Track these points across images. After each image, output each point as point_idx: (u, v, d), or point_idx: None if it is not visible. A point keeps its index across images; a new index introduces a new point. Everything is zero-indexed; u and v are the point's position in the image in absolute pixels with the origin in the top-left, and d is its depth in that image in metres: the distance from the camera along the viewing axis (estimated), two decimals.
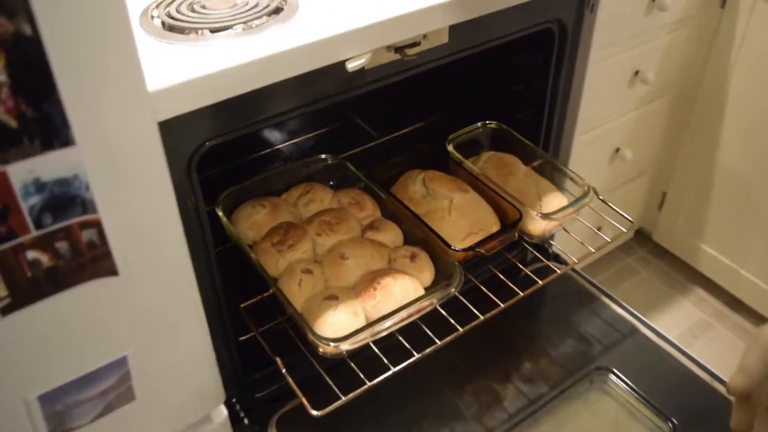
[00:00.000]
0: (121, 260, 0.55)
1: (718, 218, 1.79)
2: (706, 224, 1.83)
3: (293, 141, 1.41)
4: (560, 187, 1.22)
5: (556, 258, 1.35)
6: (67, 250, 0.52)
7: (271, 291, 1.02)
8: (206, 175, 1.19)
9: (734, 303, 1.84)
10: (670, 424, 1.14)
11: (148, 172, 0.60)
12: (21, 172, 0.47)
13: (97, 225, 0.53)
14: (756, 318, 1.79)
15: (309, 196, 1.17)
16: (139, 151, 0.58)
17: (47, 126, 0.48)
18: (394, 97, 1.41)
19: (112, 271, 0.56)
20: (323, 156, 1.23)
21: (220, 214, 1.09)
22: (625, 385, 1.20)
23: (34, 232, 0.50)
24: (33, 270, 0.50)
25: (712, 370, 1.23)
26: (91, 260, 0.54)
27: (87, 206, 0.52)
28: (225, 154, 1.28)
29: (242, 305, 1.06)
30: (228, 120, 0.82)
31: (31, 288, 0.51)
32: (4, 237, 0.48)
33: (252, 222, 1.11)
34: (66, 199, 0.50)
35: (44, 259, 0.50)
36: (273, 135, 1.39)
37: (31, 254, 0.50)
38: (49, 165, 0.48)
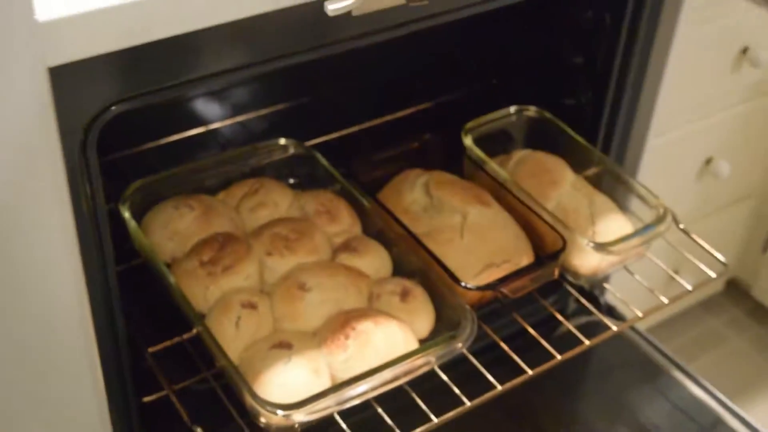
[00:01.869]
0: None
1: None
2: None
3: (239, 119, 1.41)
4: (624, 208, 1.23)
5: (611, 311, 1.35)
6: None
7: (194, 331, 1.02)
8: (110, 159, 1.20)
9: None
10: None
11: (27, 136, 0.59)
12: None
13: None
14: None
15: (258, 197, 1.17)
16: (16, 103, 0.57)
17: None
18: (391, 64, 1.42)
19: None
20: (282, 141, 1.23)
21: (127, 215, 1.08)
22: None
23: None
24: None
25: None
26: None
27: None
28: (140, 131, 1.29)
29: (151, 350, 1.06)
30: (145, 76, 0.82)
31: None
32: None
33: (173, 230, 1.11)
34: None
35: None
36: (210, 109, 1.39)
37: None
38: None
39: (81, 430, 0.73)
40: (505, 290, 1.08)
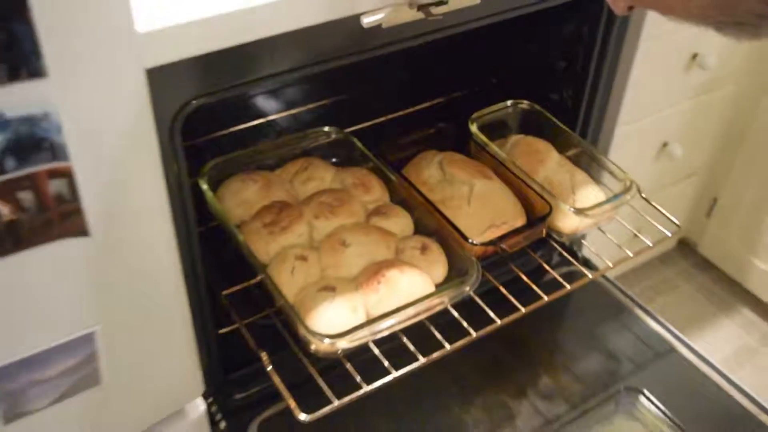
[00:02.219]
0: (93, 219, 0.55)
1: None
2: (761, 237, 1.82)
3: (292, 112, 1.40)
4: (598, 181, 1.22)
5: (587, 263, 1.35)
6: (32, 202, 0.51)
7: (259, 278, 1.02)
8: (191, 144, 1.20)
9: None
10: None
11: (131, 124, 0.60)
12: None
13: (67, 175, 0.52)
14: None
15: (308, 173, 1.17)
16: (122, 98, 0.57)
17: (14, 51, 0.46)
18: (412, 67, 1.41)
19: (83, 231, 0.55)
20: (326, 129, 1.23)
21: (205, 187, 1.08)
22: (656, 410, 1.20)
23: None
24: None
25: (761, 401, 1.23)
26: (59, 216, 0.53)
27: (57, 152, 0.51)
28: (213, 121, 1.29)
29: (225, 293, 1.06)
30: (221, 75, 0.81)
31: None
32: None
33: (241, 199, 1.11)
34: (33, 142, 0.50)
35: (5, 210, 0.50)
36: (269, 104, 1.39)
37: None
38: (15, 98, 0.47)
39: (174, 355, 0.74)
40: (503, 246, 1.08)
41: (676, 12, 0.63)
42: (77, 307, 0.59)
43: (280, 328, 1.03)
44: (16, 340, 0.57)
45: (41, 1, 0.49)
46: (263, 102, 1.38)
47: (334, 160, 1.22)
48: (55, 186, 0.52)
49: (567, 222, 1.14)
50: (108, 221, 0.57)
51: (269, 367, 0.97)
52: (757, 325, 1.87)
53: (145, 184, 0.68)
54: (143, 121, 0.65)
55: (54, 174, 0.52)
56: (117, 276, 0.61)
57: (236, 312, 1.05)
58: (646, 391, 1.23)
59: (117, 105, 0.61)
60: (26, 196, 0.51)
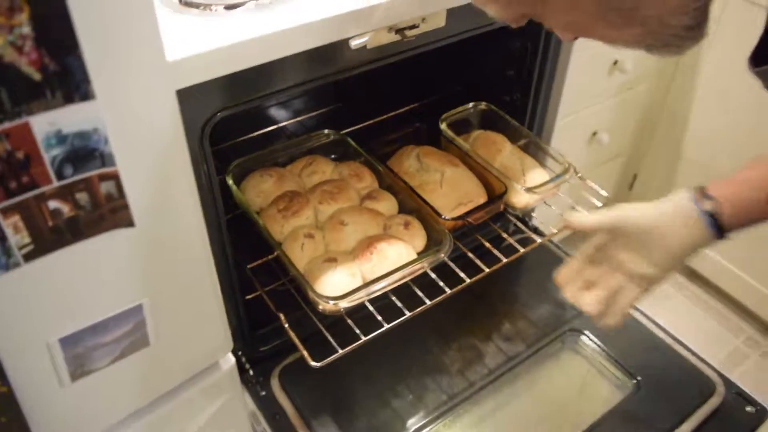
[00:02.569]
0: (137, 213, 0.54)
1: None
2: None
3: (297, 119, 1.38)
4: (543, 165, 1.21)
5: (536, 230, 1.34)
6: (87, 201, 0.50)
7: (275, 253, 1.01)
8: (217, 149, 1.17)
9: (692, 275, 1.84)
10: (634, 381, 1.15)
11: (165, 134, 0.59)
12: (43, 123, 0.45)
13: (115, 178, 0.51)
14: (710, 288, 1.80)
15: (312, 167, 1.15)
16: (157, 115, 0.56)
17: (69, 80, 0.46)
18: (392, 79, 1.39)
19: (129, 223, 0.54)
20: (326, 131, 1.21)
21: (230, 182, 1.07)
22: (595, 346, 1.20)
23: (56, 183, 0.48)
24: (54, 219, 0.49)
25: (676, 334, 1.23)
26: (109, 211, 0.52)
27: (105, 159, 0.50)
28: (235, 129, 1.27)
29: (249, 266, 1.05)
30: (239, 91, 0.80)
31: (53, 236, 0.50)
32: (28, 186, 0.47)
33: (259, 190, 1.09)
34: (86, 152, 0.49)
35: (65, 208, 0.49)
36: (279, 113, 1.37)
37: (53, 204, 0.48)
38: (70, 118, 0.46)
39: (208, 319, 0.73)
40: (470, 219, 1.07)
41: (615, 41, 0.62)
42: (128, 285, 0.58)
43: (294, 292, 1.03)
44: (81, 312, 0.57)
45: (89, 40, 0.48)
46: (275, 112, 1.36)
47: (333, 156, 1.21)
48: (105, 187, 0.51)
49: (520, 198, 1.13)
50: (150, 214, 0.56)
51: (286, 325, 0.96)
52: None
53: (179, 182, 0.66)
54: (175, 131, 0.64)
55: (104, 177, 0.51)
56: (159, 258, 0.59)
57: (258, 282, 1.04)
58: (586, 332, 1.22)
59: (153, 119, 0.59)
60: (82, 197, 0.50)
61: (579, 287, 0.84)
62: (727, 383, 1.14)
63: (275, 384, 1.13)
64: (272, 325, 1.15)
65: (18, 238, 0.47)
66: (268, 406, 1.09)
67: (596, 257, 0.82)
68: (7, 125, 0.44)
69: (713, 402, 1.10)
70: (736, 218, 0.73)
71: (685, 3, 0.56)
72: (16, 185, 0.46)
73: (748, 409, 1.10)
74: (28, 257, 0.49)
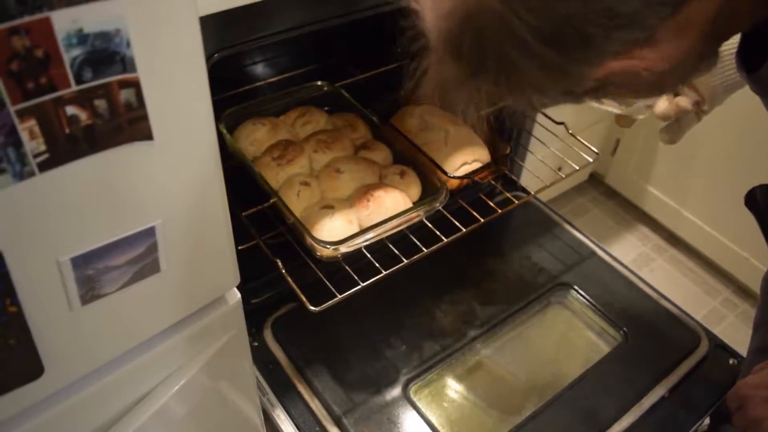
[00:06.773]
0: (156, 125, 0.52)
1: (663, 164, 1.80)
2: (652, 169, 1.84)
3: (293, 72, 1.35)
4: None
5: (524, 189, 1.35)
6: (106, 108, 0.48)
7: (271, 201, 0.99)
8: (214, 99, 1.15)
9: (672, 239, 1.87)
10: (622, 333, 1.17)
11: (183, 47, 0.56)
12: (65, 20, 0.43)
13: (135, 85, 0.49)
14: (690, 252, 1.83)
15: (306, 117, 1.13)
16: (176, 30, 0.53)
17: None
18: (383, 34, 1.37)
19: (148, 135, 0.52)
20: (319, 83, 1.19)
21: (224, 131, 1.04)
22: (584, 299, 1.22)
23: (74, 87, 0.45)
24: (71, 126, 0.46)
25: (657, 288, 1.25)
26: (128, 121, 0.50)
27: (127, 64, 0.48)
28: (231, 81, 1.24)
29: (244, 214, 1.04)
30: (236, 32, 0.79)
31: (69, 145, 0.47)
32: (45, 88, 0.44)
33: (253, 138, 1.07)
34: (107, 55, 0.46)
35: (83, 115, 0.47)
36: (276, 65, 1.34)
37: (71, 109, 0.46)
38: (93, 15, 0.44)
39: (217, 246, 0.70)
40: (476, 178, 1.06)
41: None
42: (141, 203, 0.56)
43: (290, 240, 1.01)
44: (94, 231, 0.54)
45: None
46: (269, 66, 1.33)
47: (326, 108, 1.19)
48: (125, 95, 0.49)
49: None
50: (169, 128, 0.54)
51: (283, 270, 0.96)
52: (650, 238, 1.90)
53: (193, 95, 0.62)
54: (194, 47, 0.60)
55: (124, 84, 0.48)
56: (174, 176, 0.57)
57: (255, 230, 1.02)
58: (575, 286, 1.24)
59: (169, 30, 0.56)
60: (101, 104, 0.47)
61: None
62: (710, 336, 1.17)
63: (268, 335, 1.13)
64: (265, 278, 1.14)
65: (34, 144, 0.45)
66: (261, 357, 1.09)
67: None
68: (27, 19, 0.41)
69: (700, 352, 1.13)
70: None
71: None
72: (34, 86, 0.44)
73: (731, 361, 1.13)
74: (43, 166, 0.46)
